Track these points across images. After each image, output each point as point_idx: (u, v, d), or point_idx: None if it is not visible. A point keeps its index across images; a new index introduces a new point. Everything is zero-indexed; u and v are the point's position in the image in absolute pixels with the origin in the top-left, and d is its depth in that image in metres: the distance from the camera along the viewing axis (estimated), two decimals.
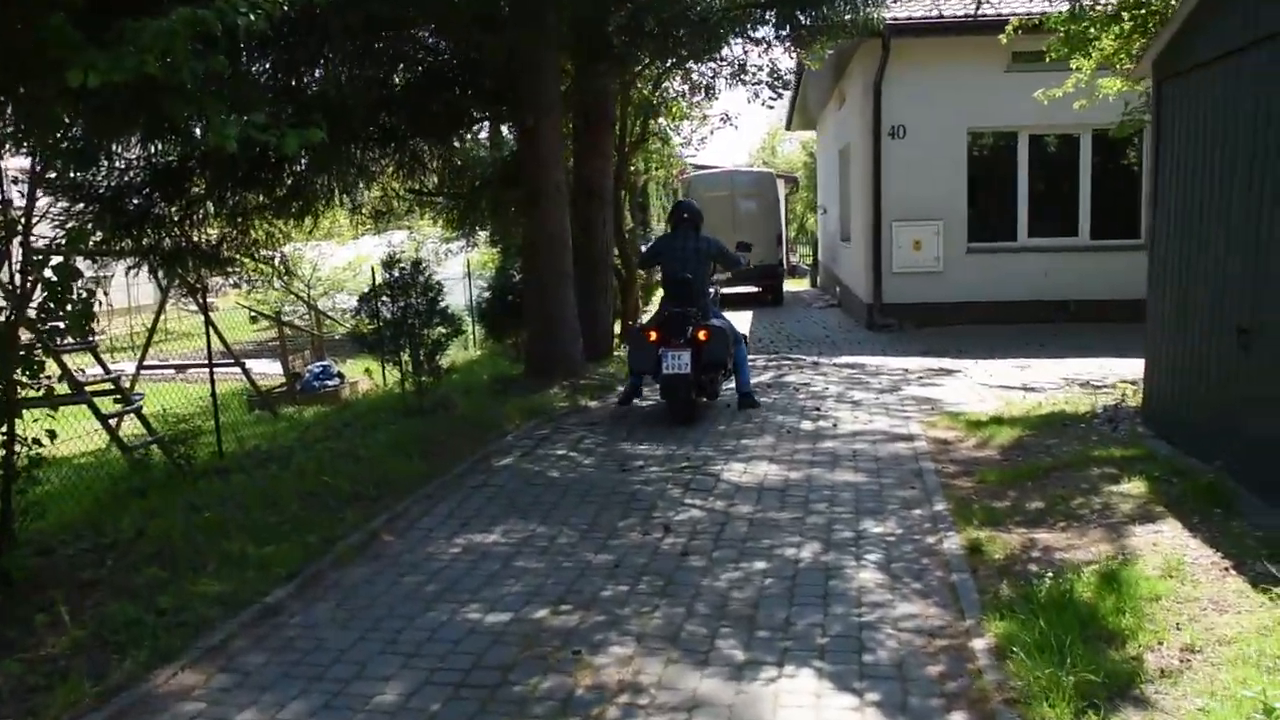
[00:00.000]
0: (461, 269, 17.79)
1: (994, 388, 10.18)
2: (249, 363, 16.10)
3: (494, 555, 5.61)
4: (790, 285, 25.31)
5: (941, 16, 14.52)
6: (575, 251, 11.29)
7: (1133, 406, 8.54)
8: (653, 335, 8.63)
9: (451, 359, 13.20)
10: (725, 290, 22.81)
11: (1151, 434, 7.55)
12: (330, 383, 14.28)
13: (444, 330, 9.99)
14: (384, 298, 9.85)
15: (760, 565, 5.34)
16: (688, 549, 5.59)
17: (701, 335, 8.59)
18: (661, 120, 15.36)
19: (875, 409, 9.18)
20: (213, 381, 10.18)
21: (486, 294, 14.03)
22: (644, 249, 11.67)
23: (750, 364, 11.65)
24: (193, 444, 9.26)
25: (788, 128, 28.27)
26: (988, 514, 5.97)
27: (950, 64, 15.07)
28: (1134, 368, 11.25)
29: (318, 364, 14.63)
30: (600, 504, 6.46)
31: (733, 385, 9.44)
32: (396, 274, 9.79)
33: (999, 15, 14.33)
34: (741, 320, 18.08)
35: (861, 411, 9.06)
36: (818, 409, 9.22)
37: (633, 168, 15.72)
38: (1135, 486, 6.21)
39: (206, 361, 10.37)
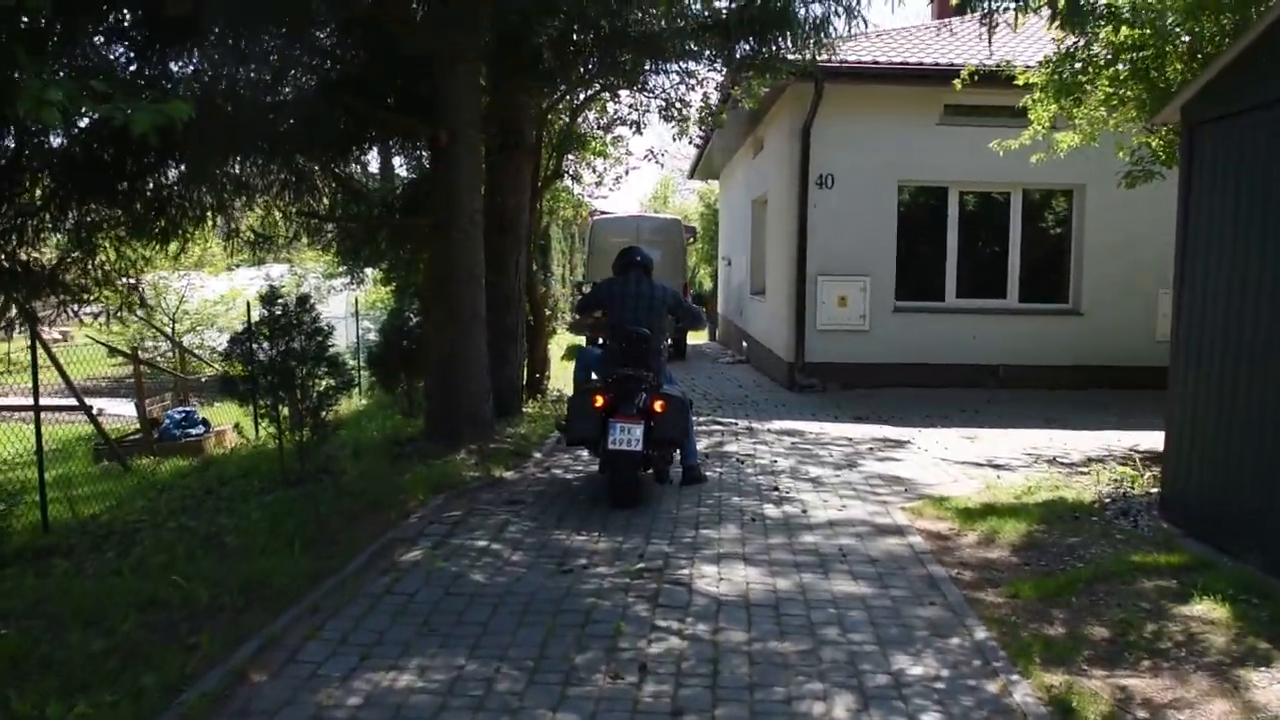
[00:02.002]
0: (346, 308, 15.93)
1: (957, 464, 8.93)
2: (103, 403, 13.85)
3: (410, 713, 3.93)
4: (689, 338, 24.03)
5: (876, 62, 13.47)
6: (486, 293, 9.71)
7: (1140, 494, 7.35)
8: (599, 400, 7.09)
9: (337, 412, 11.42)
10: None
11: (1180, 531, 6.34)
12: (193, 431, 12.22)
13: (332, 380, 8.25)
14: (261, 338, 8.07)
15: None
16: (678, 706, 4.02)
17: (658, 406, 7.08)
18: (571, 157, 13.85)
19: (842, 490, 7.77)
20: (38, 426, 8.21)
21: (375, 337, 12.23)
22: (582, 291, 9.92)
23: None
24: (8, 510, 7.34)
25: (690, 176, 27.15)
26: (1046, 647, 4.59)
27: (882, 113, 14.05)
28: (1092, 441, 10.27)
29: (179, 410, 12.56)
30: (546, 626, 4.82)
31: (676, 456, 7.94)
32: (278, 311, 8.02)
33: (937, 65, 13.42)
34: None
35: (828, 493, 7.65)
36: (775, 489, 7.77)
37: (540, 204, 14.18)
38: (1211, 609, 4.94)
39: (32, 403, 8.37)
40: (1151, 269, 14.06)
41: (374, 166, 14.27)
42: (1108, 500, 7.17)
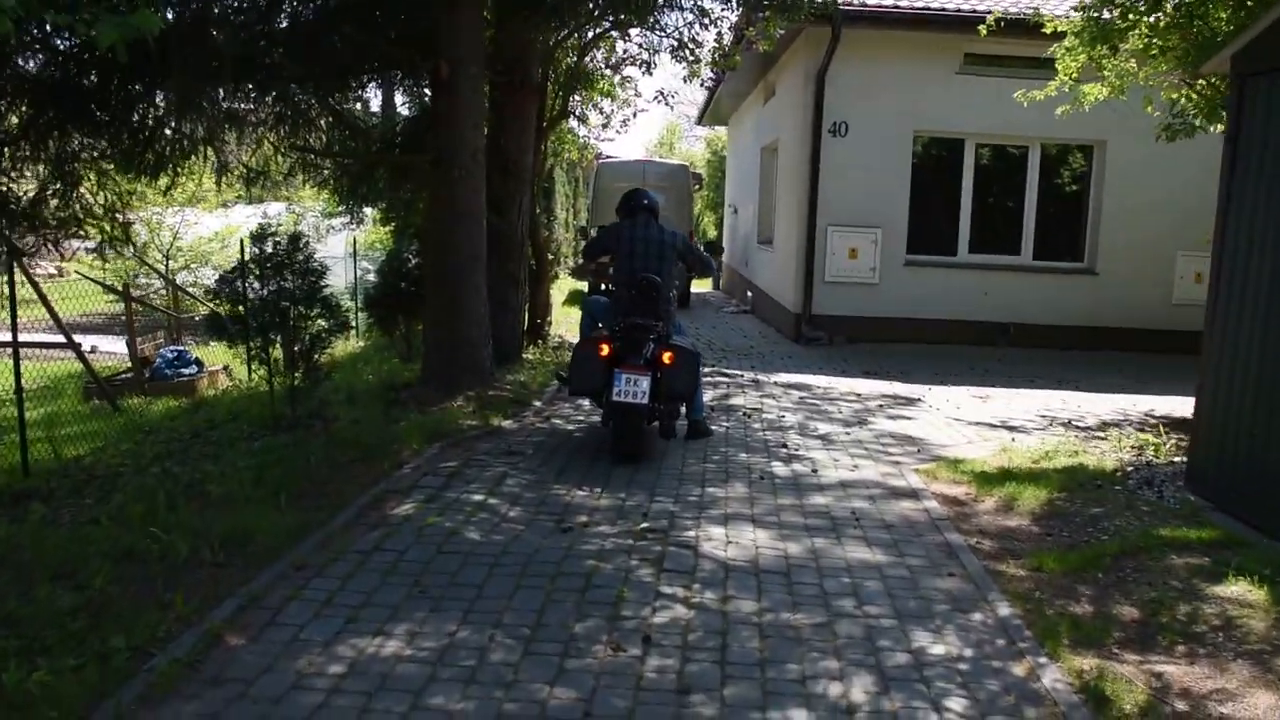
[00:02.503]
0: (345, 248, 15.53)
1: (970, 424, 8.62)
2: (96, 340, 13.54)
3: (397, 684, 3.64)
4: (692, 285, 23.63)
5: (898, 6, 12.95)
6: (487, 236, 9.34)
7: (1163, 463, 7.04)
8: (604, 349, 6.74)
9: (331, 354, 11.10)
10: None
11: (1208, 504, 6.02)
12: (186, 371, 11.89)
13: (325, 323, 7.91)
14: (251, 277, 7.72)
15: (800, 717, 3.52)
16: (685, 682, 3.72)
17: (666, 357, 6.73)
18: (578, 97, 13.36)
19: (852, 448, 7.46)
20: (16, 363, 7.89)
21: (373, 278, 11.86)
22: (591, 235, 9.52)
23: None
24: None
25: (698, 122, 26.57)
26: (1074, 627, 4.30)
27: (900, 60, 13.55)
28: (1107, 405, 9.96)
29: (172, 349, 12.22)
30: (545, 590, 4.52)
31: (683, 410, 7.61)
32: (269, 249, 7.66)
33: (960, 11, 12.91)
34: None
35: (838, 451, 7.33)
36: (784, 445, 7.46)
37: (545, 146, 13.73)
38: (1248, 591, 4.64)
39: (11, 339, 8.05)
40: (1171, 230, 13.68)
41: (376, 105, 13.87)
42: (1130, 469, 6.85)
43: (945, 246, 14.15)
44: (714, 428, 7.91)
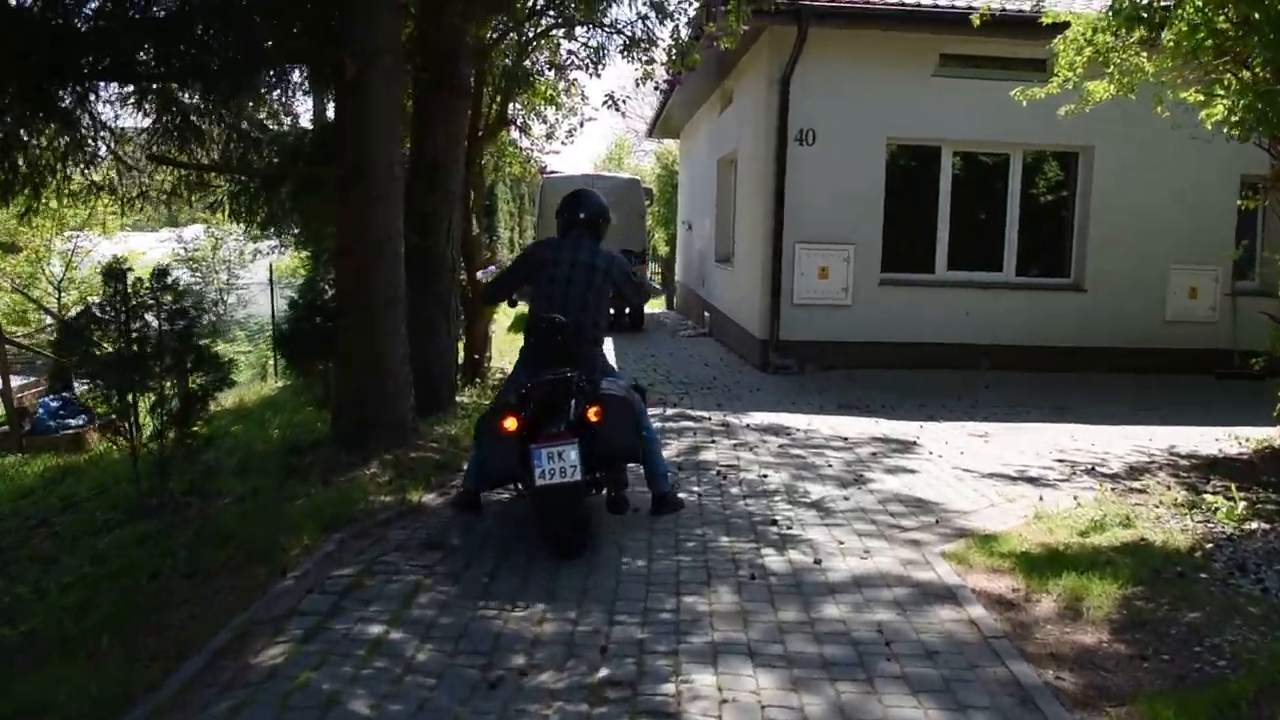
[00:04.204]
0: (270, 275, 13.78)
1: (984, 477, 7.13)
2: None
3: None
4: (645, 306, 22.10)
5: (870, 3, 11.52)
6: (407, 261, 7.74)
7: (1238, 532, 5.58)
8: (511, 423, 5.10)
9: (240, 397, 9.43)
10: None
11: None
12: (73, 422, 10.12)
13: (201, 379, 6.26)
14: (107, 322, 6.05)
15: None
16: None
17: (593, 413, 5.14)
18: (518, 105, 11.77)
19: (856, 521, 5.92)
20: None
21: (288, 312, 10.17)
22: (493, 270, 7.68)
23: None
24: None
25: (649, 135, 25.05)
26: None
27: (872, 62, 12.14)
28: (1120, 441, 8.56)
29: (55, 396, 10.43)
30: None
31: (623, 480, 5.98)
32: (122, 289, 6.00)
33: (938, 7, 11.52)
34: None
35: (840, 528, 5.78)
36: (773, 521, 5.88)
37: (484, 159, 12.11)
38: None
39: None
40: (1163, 242, 12.42)
41: (304, 113, 12.19)
42: (1209, 545, 5.38)
43: (922, 264, 12.74)
44: (684, 495, 6.34)
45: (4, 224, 13.40)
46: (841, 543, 5.46)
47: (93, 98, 7.22)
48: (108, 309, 5.96)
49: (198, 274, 17.28)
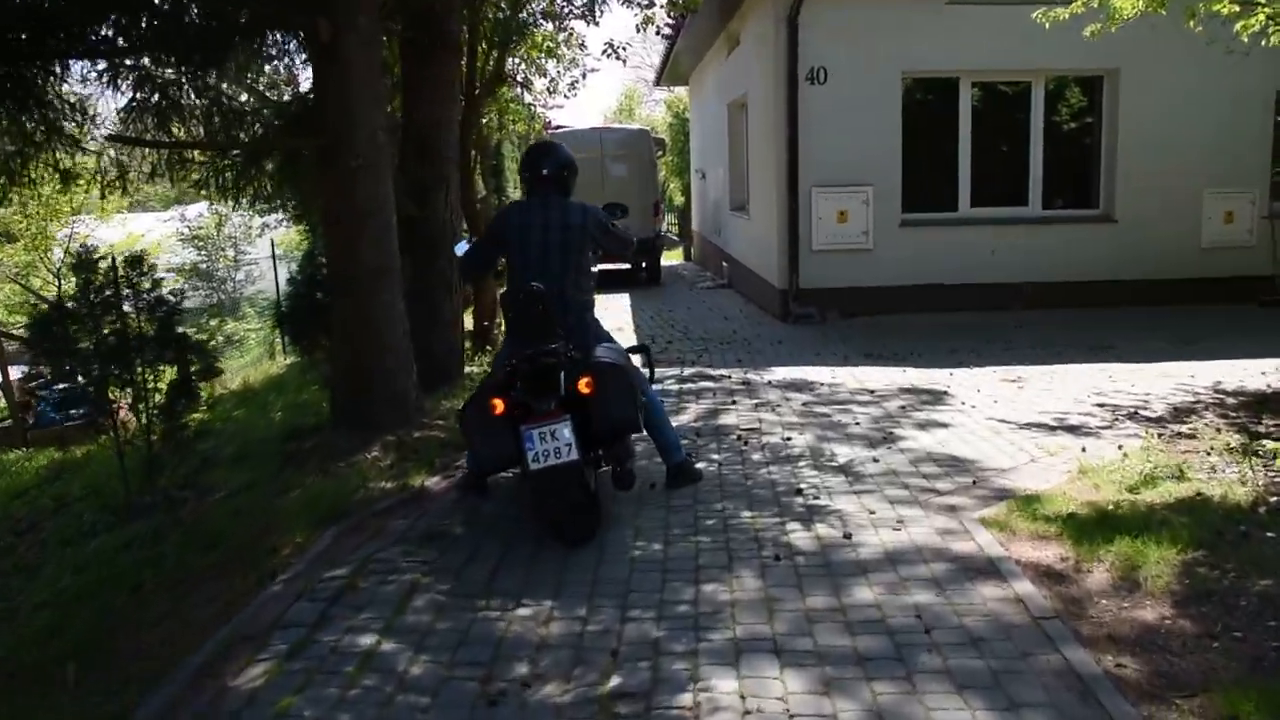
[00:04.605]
0: (275, 249, 13.39)
1: (1020, 428, 6.67)
2: None
3: None
4: (663, 259, 21.59)
5: None
6: (405, 232, 7.33)
7: None
8: (498, 405, 4.65)
9: (245, 378, 9.11)
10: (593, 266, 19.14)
11: None
12: (76, 413, 9.82)
13: (190, 366, 5.89)
14: (80, 315, 5.67)
15: None
16: None
17: (584, 385, 4.70)
18: (518, 59, 11.23)
19: (888, 486, 5.48)
20: None
21: (288, 287, 9.78)
22: (466, 243, 7.03)
23: (656, 383, 8.03)
24: None
25: (656, 84, 24.36)
26: None
27: None
28: (1161, 380, 8.07)
29: (58, 386, 10.12)
30: None
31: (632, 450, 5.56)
32: (93, 280, 5.62)
33: None
34: (616, 306, 14.31)
35: (871, 494, 5.35)
36: (798, 491, 5.45)
37: (485, 118, 11.61)
38: None
39: None
40: (1197, 166, 11.81)
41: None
42: (1272, 498, 4.92)
43: (945, 202, 12.18)
44: (703, 464, 5.93)
45: None
46: (872, 512, 5.04)
47: (58, 77, 6.81)
48: (80, 301, 5.57)
49: (203, 252, 16.98)
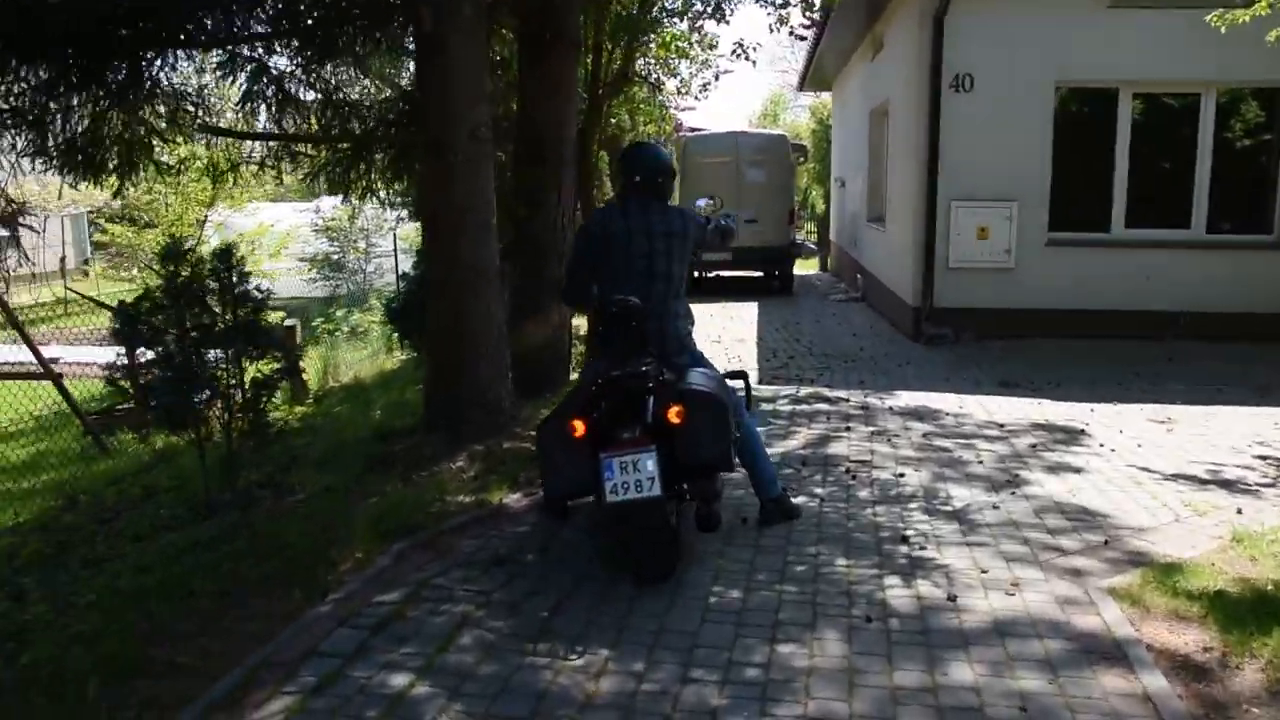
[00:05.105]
0: (400, 243, 13.39)
1: (1166, 479, 5.91)
2: (73, 352, 11.50)
3: None
4: (796, 267, 20.92)
5: None
6: (515, 233, 7.05)
7: None
8: (579, 427, 4.25)
9: (356, 374, 9.01)
10: (724, 274, 18.63)
11: None
12: (196, 399, 9.87)
13: (265, 367, 5.71)
14: (166, 307, 5.55)
15: None
16: None
17: (674, 414, 4.23)
18: (649, 59, 10.86)
19: (1004, 539, 4.86)
20: None
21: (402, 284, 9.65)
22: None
23: (768, 403, 7.57)
24: None
25: (800, 88, 23.69)
26: None
27: None
28: None
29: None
30: None
31: (727, 479, 5.10)
32: (182, 274, 5.48)
33: None
34: (743, 316, 13.80)
35: (984, 548, 4.73)
36: (903, 537, 4.89)
37: (613, 119, 11.28)
38: None
39: None
40: None
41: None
42: None
43: (1096, 221, 11.24)
44: (803, 499, 5.42)
45: (138, 201, 13.52)
46: (984, 571, 4.44)
47: (170, 68, 6.79)
48: (165, 297, 5.44)
49: (335, 243, 17.26)
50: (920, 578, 4.37)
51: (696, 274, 17.29)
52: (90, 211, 16.73)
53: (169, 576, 4.50)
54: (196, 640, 3.90)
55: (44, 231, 22.42)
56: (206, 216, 13.47)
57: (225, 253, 5.61)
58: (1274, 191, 11.08)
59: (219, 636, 3.94)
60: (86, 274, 19.23)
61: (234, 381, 5.59)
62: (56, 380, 8.94)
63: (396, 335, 10.48)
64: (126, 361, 6.11)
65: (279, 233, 14.84)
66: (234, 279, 5.52)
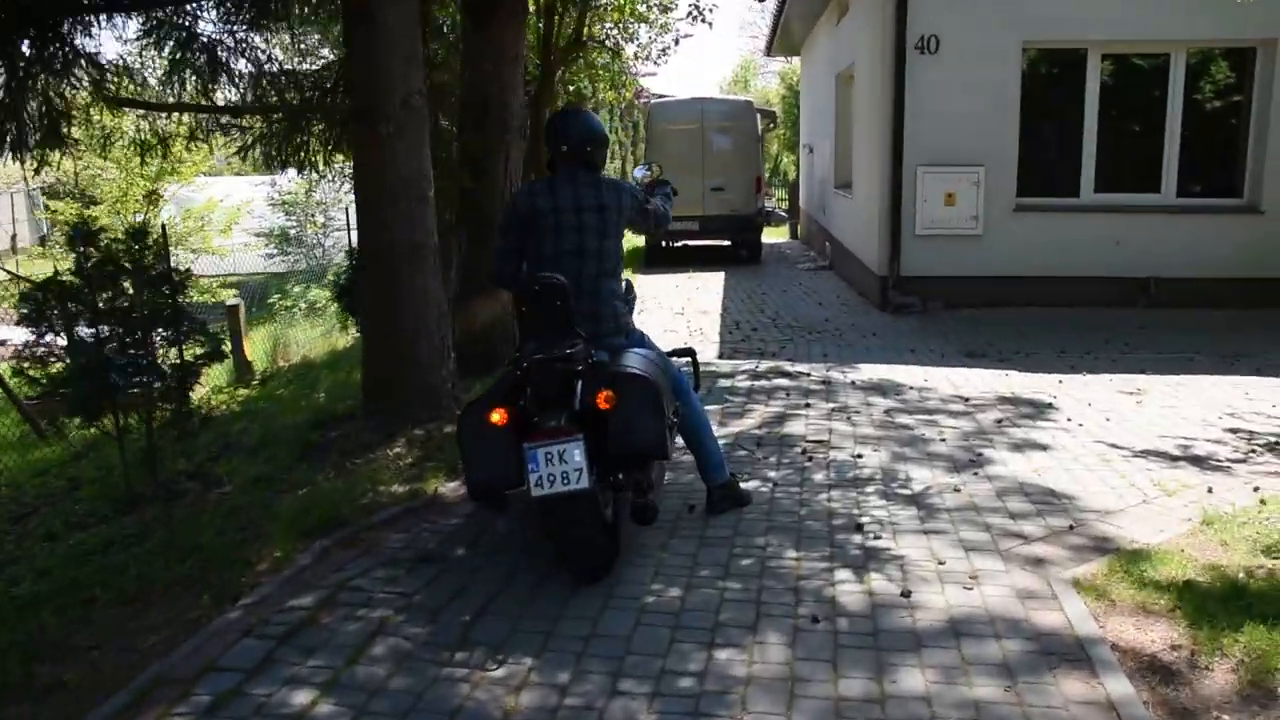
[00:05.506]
0: (348, 219, 12.95)
1: (1135, 456, 5.65)
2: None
3: None
4: (766, 234, 20.59)
5: None
6: (460, 205, 6.69)
7: None
8: (501, 415, 3.90)
9: (305, 354, 8.69)
10: (690, 243, 18.29)
11: None
12: (139, 380, 9.48)
13: (193, 353, 5.35)
14: (76, 292, 5.17)
15: None
16: None
17: (603, 399, 3.88)
18: (606, 24, 10.44)
19: (964, 525, 4.58)
20: None
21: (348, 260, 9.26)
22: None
23: (726, 379, 7.31)
24: None
25: (767, 53, 23.23)
26: None
27: None
28: None
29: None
30: None
31: (675, 463, 4.80)
32: (93, 253, 5.10)
33: None
34: (709, 286, 13.49)
35: (942, 536, 4.45)
36: (858, 525, 4.61)
37: (571, 86, 10.87)
38: None
39: None
40: None
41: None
42: None
43: (1065, 186, 10.96)
44: (755, 483, 5.14)
45: (81, 176, 13.01)
46: (941, 563, 4.15)
47: (87, 35, 6.35)
48: (76, 278, 5.06)
49: (293, 218, 16.79)
50: (873, 570, 4.08)
51: (664, 244, 16.95)
52: (41, 189, 16.23)
53: (71, 581, 4.17)
54: (89, 655, 3.58)
55: None
56: (156, 191, 12.98)
57: (140, 232, 5.22)
58: (1245, 154, 10.82)
59: (116, 649, 3.62)
60: (44, 253, 18.69)
61: (152, 367, 5.21)
62: None
63: (343, 313, 10.10)
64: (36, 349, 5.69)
65: (228, 208, 14.36)
66: (149, 259, 5.12)
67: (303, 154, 7.48)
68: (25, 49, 6.42)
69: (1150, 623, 3.61)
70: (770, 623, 3.65)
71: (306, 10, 6.60)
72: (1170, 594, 3.78)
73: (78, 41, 6.65)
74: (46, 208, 14.86)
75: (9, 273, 9.88)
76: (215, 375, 8.83)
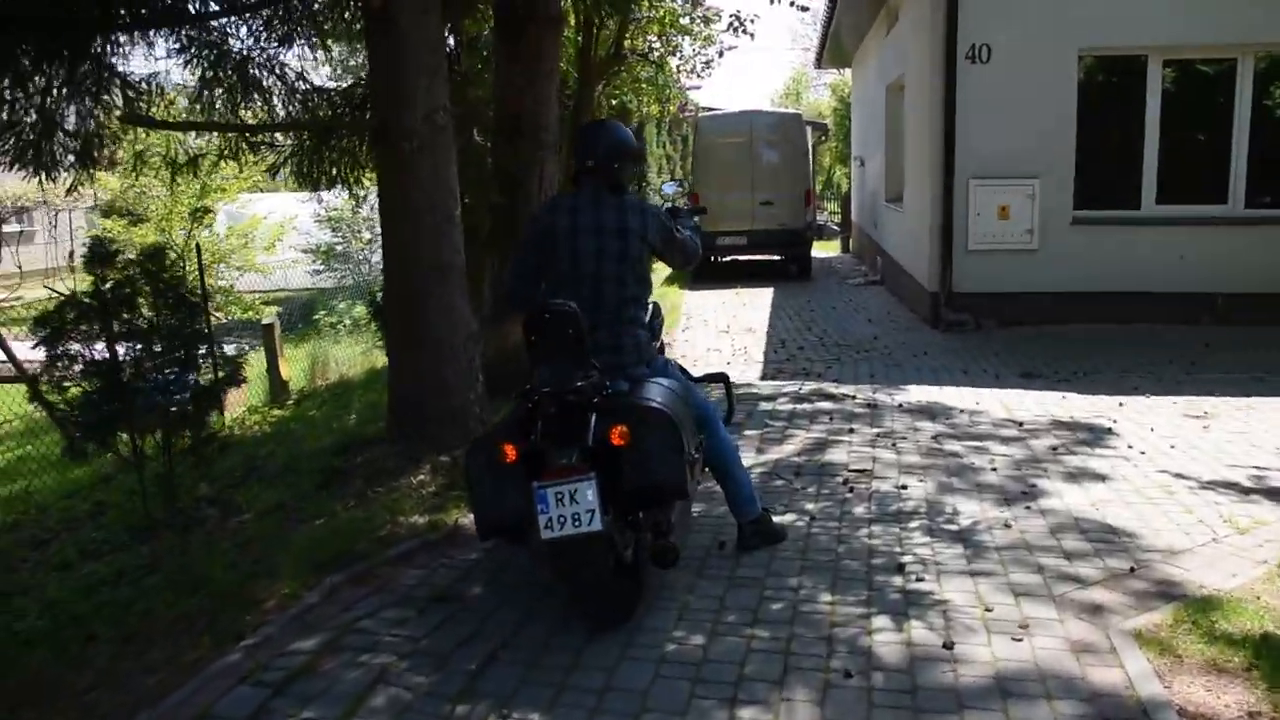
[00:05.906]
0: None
1: (1202, 488, 5.26)
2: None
3: None
4: (817, 249, 20.23)
5: None
6: (492, 223, 6.50)
7: None
8: (509, 452, 3.63)
9: (343, 373, 8.57)
10: (739, 258, 17.98)
11: None
12: (182, 396, 9.42)
13: (208, 377, 5.20)
14: (91, 315, 5.04)
15: None
16: None
17: (617, 435, 3.59)
18: (649, 36, 10.22)
19: (1014, 567, 4.23)
20: None
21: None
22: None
23: (767, 402, 7.00)
24: None
25: (817, 65, 22.88)
26: None
27: None
28: None
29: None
30: None
31: (708, 493, 4.51)
32: (110, 279, 4.97)
33: None
34: (756, 302, 13.18)
35: (990, 579, 4.10)
36: (899, 565, 4.29)
37: (614, 99, 10.66)
38: None
39: None
40: None
41: None
42: None
43: (1125, 198, 10.53)
44: (790, 517, 4.84)
45: (124, 194, 13.15)
46: (989, 609, 3.82)
47: (123, 55, 6.27)
48: (93, 301, 4.93)
49: (339, 234, 16.81)
50: (914, 617, 3.77)
51: (712, 258, 16.68)
52: (96, 207, 16.45)
53: (73, 617, 4.00)
54: (82, 699, 3.39)
55: (54, 227, 22.21)
56: (206, 208, 13.00)
57: (156, 252, 5.08)
58: None
59: (111, 691, 3.43)
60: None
61: (168, 391, 5.07)
62: (29, 381, 8.50)
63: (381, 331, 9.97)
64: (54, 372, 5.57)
65: (271, 224, 14.38)
66: (167, 280, 4.98)
67: (335, 171, 7.35)
68: (58, 69, 6.37)
69: (1223, 683, 3.26)
70: (799, 676, 3.36)
71: (332, 24, 6.42)
72: (1245, 649, 3.42)
73: (110, 61, 6.57)
74: (95, 226, 15.04)
75: (54, 291, 9.89)
76: (253, 394, 8.71)
